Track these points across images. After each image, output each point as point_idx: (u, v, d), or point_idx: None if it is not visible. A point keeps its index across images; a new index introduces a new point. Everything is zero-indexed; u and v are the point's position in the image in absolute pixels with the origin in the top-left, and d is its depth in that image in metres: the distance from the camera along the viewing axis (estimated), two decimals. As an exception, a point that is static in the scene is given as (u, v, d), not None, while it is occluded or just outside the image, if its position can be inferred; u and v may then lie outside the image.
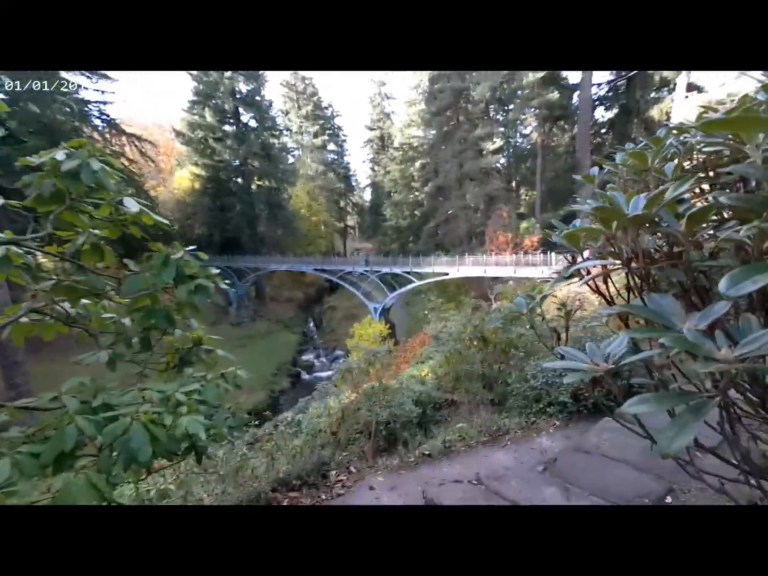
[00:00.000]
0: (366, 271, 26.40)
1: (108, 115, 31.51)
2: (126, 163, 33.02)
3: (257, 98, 36.02)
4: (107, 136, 32.14)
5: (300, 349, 29.94)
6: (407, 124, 49.41)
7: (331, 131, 61.72)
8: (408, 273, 24.70)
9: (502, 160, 39.74)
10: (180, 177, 42.27)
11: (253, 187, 36.37)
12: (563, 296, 17.03)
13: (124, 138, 32.54)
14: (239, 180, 34.97)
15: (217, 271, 1.95)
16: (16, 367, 15.90)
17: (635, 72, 24.19)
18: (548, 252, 21.34)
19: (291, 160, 59.28)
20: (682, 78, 21.53)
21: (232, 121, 34.44)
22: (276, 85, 57.54)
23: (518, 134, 38.85)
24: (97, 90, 30.66)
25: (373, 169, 61.45)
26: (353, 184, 73.53)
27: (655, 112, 25.18)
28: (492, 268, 22.12)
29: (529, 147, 35.54)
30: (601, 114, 30.57)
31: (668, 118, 24.72)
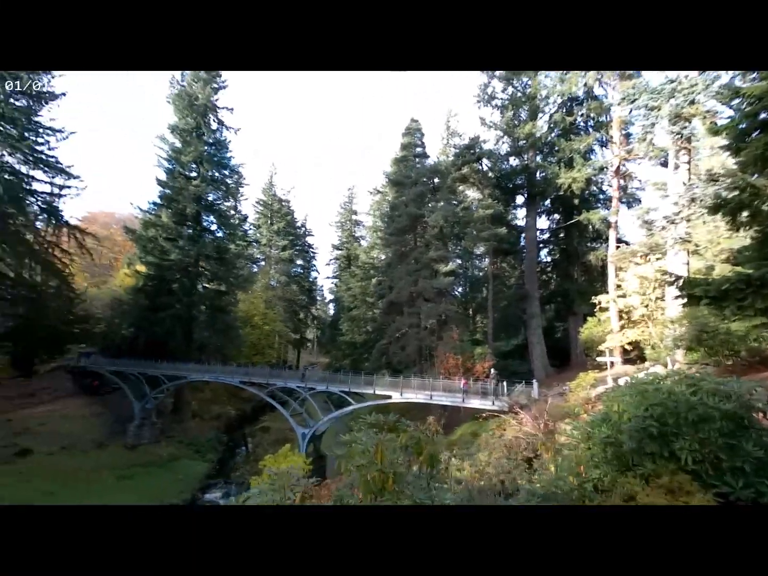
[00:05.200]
0: (299, 387, 22.83)
1: (54, 207, 30.55)
2: (58, 254, 30.92)
3: (221, 206, 37.01)
4: (40, 225, 30.70)
5: (207, 484, 23.53)
6: (371, 246, 52.32)
7: (300, 247, 64.41)
8: (347, 393, 21.40)
9: (460, 288, 41.11)
10: (123, 274, 40.05)
11: (200, 288, 34.34)
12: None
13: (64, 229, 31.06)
14: (185, 280, 32.95)
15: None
16: None
17: (573, 221, 26.72)
18: (499, 382, 19.27)
19: (255, 269, 59.89)
20: (612, 233, 23.72)
21: (190, 224, 34.29)
22: (253, 202, 61.43)
23: (473, 265, 41.19)
24: (50, 183, 30.39)
25: (336, 285, 62.48)
26: (318, 298, 73.97)
27: (592, 258, 26.98)
28: (439, 393, 19.46)
29: (482, 276, 37.03)
30: (544, 255, 33.09)
31: (603, 264, 26.55)
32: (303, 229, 67.00)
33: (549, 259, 31.70)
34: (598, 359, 18.07)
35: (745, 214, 8.26)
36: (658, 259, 16.40)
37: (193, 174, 35.36)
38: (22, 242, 27.81)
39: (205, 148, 35.41)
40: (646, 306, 16.43)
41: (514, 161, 30.27)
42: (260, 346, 46.98)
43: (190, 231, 34.23)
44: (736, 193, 8.18)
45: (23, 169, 29.29)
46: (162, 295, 31.57)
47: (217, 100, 36.66)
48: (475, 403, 18.48)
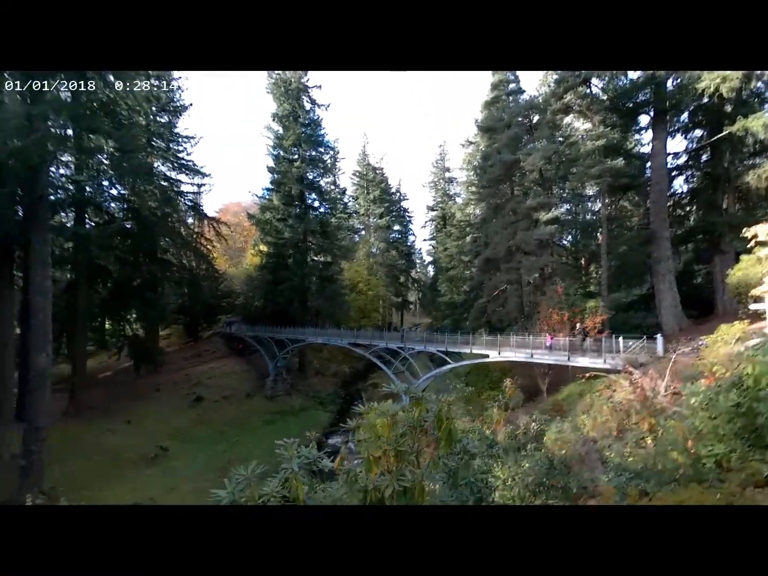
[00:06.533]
0: (399, 347, 24.13)
1: (197, 204, 37.11)
2: (204, 242, 37.67)
3: (321, 182, 39.70)
4: (190, 220, 37.49)
5: (330, 431, 27.33)
6: (466, 203, 49.95)
7: (396, 213, 65.39)
8: (444, 353, 21.82)
9: (569, 237, 36.63)
10: (251, 254, 46.81)
11: (309, 261, 38.19)
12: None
13: (205, 221, 37.52)
14: (297, 255, 37.04)
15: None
16: (35, 432, 16.27)
17: (722, 135, 20.94)
18: (615, 336, 17.11)
19: (356, 239, 63.46)
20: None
21: (296, 203, 37.78)
22: (350, 175, 64.00)
23: (584, 209, 36.07)
24: (190, 184, 36.75)
25: (433, 246, 62.12)
26: (416, 261, 75.03)
27: (751, 179, 20.74)
28: (541, 351, 18.34)
29: (595, 220, 32.25)
30: (679, 185, 26.82)
31: (771, 184, 20.28)
32: (398, 194, 67.50)
33: (685, 188, 25.65)
34: (753, 307, 14.50)
35: None
36: None
37: (295, 156, 38.34)
38: (179, 235, 34.69)
39: (302, 129, 37.75)
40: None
41: (634, 73, 24.62)
42: (366, 310, 50.47)
43: (297, 210, 37.81)
44: None
45: (172, 174, 36.05)
46: (280, 269, 36.22)
47: (307, 80, 38.32)
48: (582, 361, 16.94)
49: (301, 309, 35.92)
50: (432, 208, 61.47)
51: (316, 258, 39.62)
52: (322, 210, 41.22)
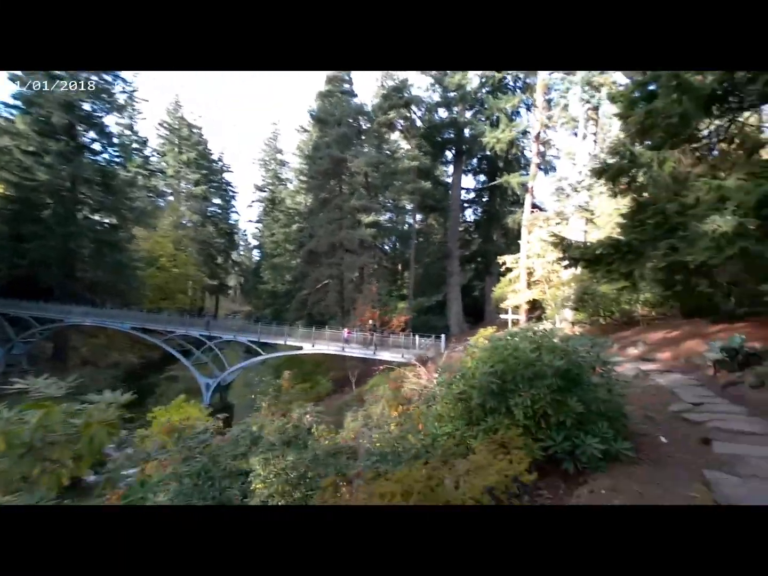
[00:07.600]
0: (202, 335, 21.00)
1: None
2: None
3: (103, 120, 30.41)
4: None
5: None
6: (297, 190, 48.75)
7: (216, 184, 57.51)
8: (258, 344, 20.26)
9: (390, 243, 40.66)
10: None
11: (81, 218, 28.80)
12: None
13: None
14: (60, 207, 27.18)
15: None
16: None
17: (495, 183, 27.25)
18: (414, 334, 19.80)
19: (162, 203, 52.64)
20: (528, 197, 24.68)
21: (61, 137, 27.66)
22: (155, 124, 52.26)
23: (403, 220, 40.87)
24: None
25: (259, 230, 57.99)
26: (240, 243, 68.36)
27: (510, 221, 28.06)
28: (353, 345, 19.39)
29: (410, 232, 36.91)
30: (469, 215, 33.87)
31: (519, 227, 28.01)
32: (220, 163, 59.49)
33: (473, 219, 32.52)
34: (501, 317, 19.35)
35: (624, 180, 8.52)
36: (557, 224, 17.47)
37: (61, 73, 27.72)
38: None
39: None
40: (544, 268, 17.69)
41: (444, 113, 29.28)
42: (168, 290, 42.34)
43: (62, 146, 27.60)
44: (617, 158, 8.38)
45: None
46: (27, 222, 25.77)
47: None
48: (385, 355, 18.80)
49: (64, 279, 26.60)
50: (261, 189, 57.24)
51: (93, 216, 30.25)
52: (106, 156, 31.76)
